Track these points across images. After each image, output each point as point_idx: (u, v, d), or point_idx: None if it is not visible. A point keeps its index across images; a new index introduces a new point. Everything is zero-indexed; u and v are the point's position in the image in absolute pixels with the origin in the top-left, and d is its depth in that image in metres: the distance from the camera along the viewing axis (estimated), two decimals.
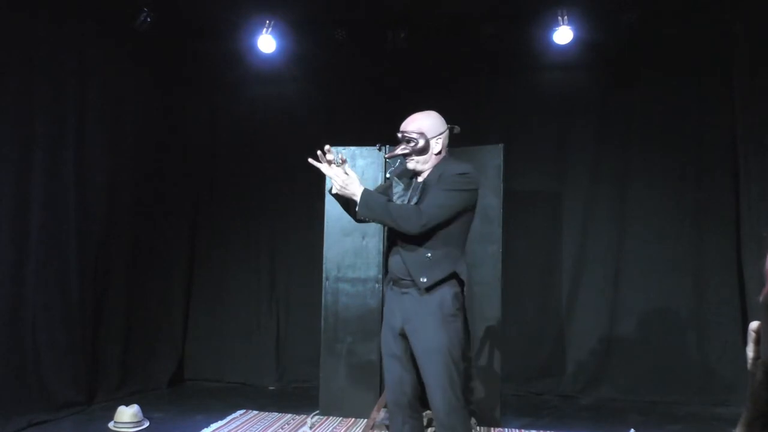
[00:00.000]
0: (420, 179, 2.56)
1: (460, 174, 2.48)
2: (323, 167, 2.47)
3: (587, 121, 5.20)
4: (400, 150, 2.53)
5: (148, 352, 5.20)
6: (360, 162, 4.49)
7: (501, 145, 4.25)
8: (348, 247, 4.43)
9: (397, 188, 2.63)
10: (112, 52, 4.70)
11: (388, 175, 4.24)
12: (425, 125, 2.55)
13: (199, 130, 5.59)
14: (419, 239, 2.42)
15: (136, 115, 5.04)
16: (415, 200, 2.50)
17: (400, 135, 2.55)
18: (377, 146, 4.46)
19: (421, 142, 2.51)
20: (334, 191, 2.48)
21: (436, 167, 2.55)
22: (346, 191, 2.43)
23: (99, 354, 4.70)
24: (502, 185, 4.22)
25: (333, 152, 2.43)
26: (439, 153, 2.57)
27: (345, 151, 4.44)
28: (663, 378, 4.87)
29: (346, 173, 2.44)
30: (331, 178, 2.46)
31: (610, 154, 5.16)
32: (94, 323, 4.65)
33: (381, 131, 4.45)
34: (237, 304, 5.58)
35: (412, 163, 2.55)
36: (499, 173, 4.22)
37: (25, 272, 4.05)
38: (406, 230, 2.40)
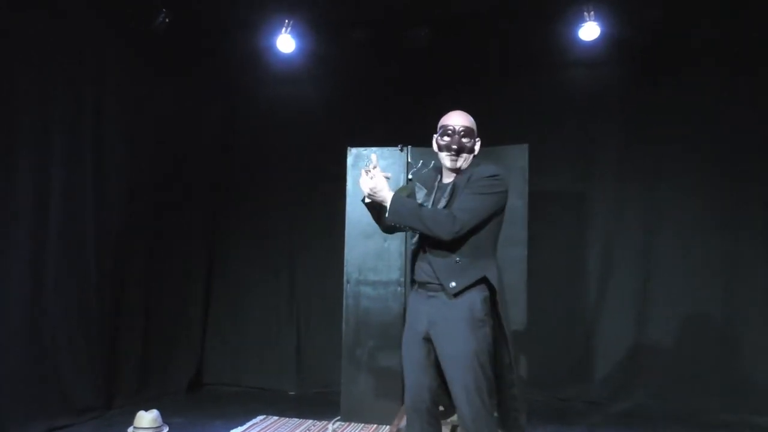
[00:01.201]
0: (446, 181, 2.53)
1: (490, 176, 2.43)
2: (362, 176, 2.47)
3: (614, 120, 5.10)
4: (454, 144, 2.46)
5: (167, 357, 5.18)
6: (381, 163, 4.31)
7: (526, 145, 4.18)
8: (369, 250, 4.36)
9: (420, 193, 2.59)
10: (129, 53, 4.70)
11: (410, 176, 4.20)
12: (472, 122, 2.53)
13: (217, 132, 5.57)
14: (449, 244, 2.38)
15: (154, 117, 5.01)
16: (443, 204, 2.47)
17: (454, 128, 2.48)
18: (399, 147, 4.37)
19: (474, 140, 2.51)
20: (366, 199, 2.46)
21: (465, 169, 2.53)
22: (376, 197, 2.40)
23: (118, 358, 4.70)
24: (527, 186, 4.14)
25: (368, 157, 2.49)
26: (475, 154, 2.57)
27: (366, 152, 4.38)
28: (696, 385, 4.76)
29: (374, 177, 2.41)
30: (360, 184, 2.43)
31: (638, 154, 5.06)
32: (112, 328, 4.65)
33: (402, 132, 4.45)
34: (256, 308, 5.54)
35: (460, 161, 2.51)
36: (524, 174, 4.15)
37: (43, 276, 4.03)
38: (438, 236, 2.36)
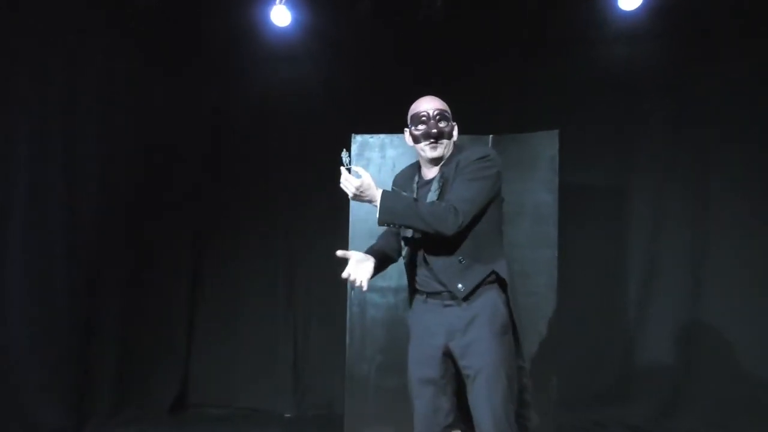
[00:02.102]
0: (429, 176, 2.53)
1: (480, 159, 2.44)
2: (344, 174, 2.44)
3: (659, 103, 4.94)
4: (432, 128, 2.47)
5: (148, 373, 5.05)
6: (390, 152, 4.28)
7: (555, 131, 4.05)
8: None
9: (414, 188, 2.58)
10: (109, 32, 4.63)
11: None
12: (446, 105, 2.55)
13: (204, 120, 5.40)
14: (445, 244, 2.38)
15: (134, 104, 4.91)
16: (436, 195, 2.45)
17: (428, 113, 2.49)
18: None
19: (451, 123, 2.52)
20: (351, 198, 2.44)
21: (450, 157, 2.53)
22: (363, 198, 2.38)
23: (90, 374, 4.62)
24: (557, 179, 4.02)
25: (344, 152, 2.39)
26: (453, 139, 2.57)
27: (373, 140, 4.29)
28: (755, 409, 4.56)
29: (357, 175, 2.38)
30: (343, 184, 2.39)
31: (686, 143, 4.89)
32: (84, 339, 4.57)
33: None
34: (249, 318, 5.38)
35: (440, 148, 2.52)
36: (554, 164, 4.03)
37: (2, 280, 4.07)
38: (440, 232, 2.34)
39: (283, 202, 5.42)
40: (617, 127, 5.02)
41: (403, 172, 2.73)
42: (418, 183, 2.57)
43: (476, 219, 2.40)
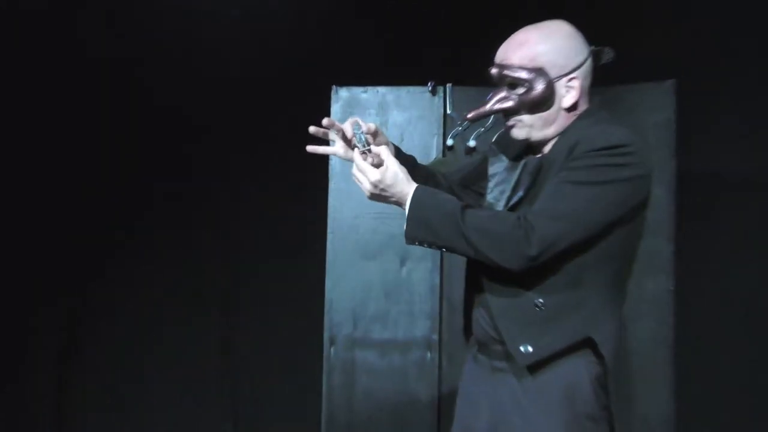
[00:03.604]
0: (532, 157, 2.31)
1: (606, 148, 2.10)
2: (332, 150, 2.40)
3: None
4: (493, 104, 2.28)
5: None
6: (397, 117, 3.85)
7: (670, 82, 3.59)
8: (372, 281, 3.91)
9: (497, 170, 2.38)
10: None
11: (450, 143, 3.87)
12: (543, 51, 2.21)
13: (123, 96, 4.87)
14: (521, 274, 2.14)
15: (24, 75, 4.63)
16: (517, 198, 2.23)
17: (493, 72, 2.26)
18: (429, 86, 3.86)
19: (538, 87, 2.20)
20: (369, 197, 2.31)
21: (564, 135, 2.22)
22: (385, 194, 2.19)
23: None
24: (673, 161, 3.56)
25: (354, 124, 2.28)
26: (573, 107, 2.21)
27: (367, 96, 3.88)
28: None
29: (377, 162, 2.20)
30: (354, 175, 2.23)
31: None
32: None
33: (433, 61, 4.21)
34: (160, 389, 4.80)
35: (521, 129, 2.26)
36: (668, 137, 3.58)
37: None
38: (499, 265, 2.12)
39: (223, 200, 4.88)
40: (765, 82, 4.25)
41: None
42: (527, 158, 2.30)
43: (581, 248, 2.13)
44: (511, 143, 2.38)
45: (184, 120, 4.89)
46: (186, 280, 4.87)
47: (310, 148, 2.35)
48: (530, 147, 2.33)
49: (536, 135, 2.25)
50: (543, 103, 2.21)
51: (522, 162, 2.31)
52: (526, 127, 2.25)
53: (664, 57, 4.11)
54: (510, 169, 2.36)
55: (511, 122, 2.26)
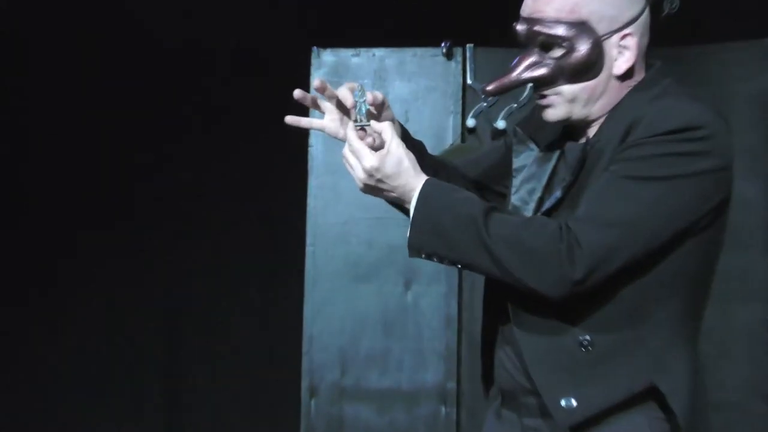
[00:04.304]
0: (581, 139, 2.07)
1: (675, 131, 1.83)
2: (320, 124, 2.13)
3: None
4: (521, 71, 2.01)
5: None
6: (399, 89, 3.67)
7: (765, 41, 3.48)
8: (367, 310, 3.77)
9: (524, 162, 2.16)
10: None
11: (471, 124, 3.74)
12: (586, 1, 1.95)
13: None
14: (562, 303, 1.88)
15: None
16: (553, 200, 1.94)
17: (520, 29, 2.00)
18: (442, 47, 3.72)
19: (582, 47, 1.93)
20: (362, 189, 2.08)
21: (616, 113, 1.96)
22: (383, 187, 1.93)
23: None
24: None
25: (357, 90, 1.98)
26: (628, 74, 1.93)
27: (359, 60, 3.76)
28: None
29: (378, 144, 1.94)
30: (345, 157, 1.97)
31: None
32: None
33: (446, 15, 4.13)
34: None
35: (558, 106, 1.98)
36: (764, 114, 3.47)
37: None
38: (535, 290, 1.85)
39: (168, 212, 4.59)
40: None
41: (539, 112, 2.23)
42: (566, 145, 2.09)
43: (637, 268, 1.85)
44: (543, 126, 2.13)
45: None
46: (123, 304, 4.69)
47: (290, 119, 2.09)
48: (569, 130, 2.09)
49: (578, 113, 2.00)
50: (588, 68, 1.98)
51: (557, 151, 2.06)
52: (565, 103, 1.99)
53: (760, 6, 3.82)
54: (542, 161, 2.12)
55: (544, 97, 2.00)
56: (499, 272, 1.88)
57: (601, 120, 1.98)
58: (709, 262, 1.96)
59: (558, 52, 1.92)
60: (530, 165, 2.12)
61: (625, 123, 1.90)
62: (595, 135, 1.97)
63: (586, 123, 1.99)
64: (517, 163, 2.12)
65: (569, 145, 2.01)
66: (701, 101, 1.93)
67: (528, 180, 2.08)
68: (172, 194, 4.62)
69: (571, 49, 1.93)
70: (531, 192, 2.05)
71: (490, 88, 2.01)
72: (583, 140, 2.00)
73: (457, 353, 3.62)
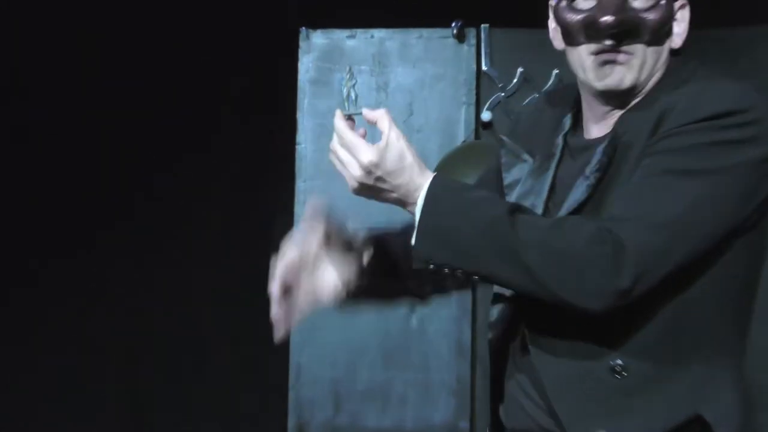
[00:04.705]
0: (595, 134, 2.04)
1: (716, 116, 1.83)
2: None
3: None
4: (608, 15, 2.04)
5: None
6: (403, 77, 3.62)
7: None
8: (364, 336, 3.75)
9: (517, 176, 2.14)
10: None
11: (486, 117, 3.75)
12: None
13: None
14: (582, 322, 1.86)
15: None
16: (576, 202, 1.90)
17: None
18: (453, 27, 3.69)
19: (663, 2, 1.96)
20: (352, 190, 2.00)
21: (656, 91, 1.94)
22: (382, 187, 1.89)
23: None
24: None
25: (347, 75, 2.86)
26: (676, 51, 1.96)
27: (355, 44, 3.71)
28: None
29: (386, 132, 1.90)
30: (333, 153, 1.88)
31: None
32: None
33: None
34: None
35: (632, 69, 1.98)
36: None
37: None
38: (573, 304, 1.79)
39: (140, 214, 4.63)
40: None
41: (540, 105, 2.22)
42: (572, 143, 2.02)
43: (678, 278, 1.81)
44: (535, 130, 2.15)
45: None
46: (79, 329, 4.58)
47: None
48: (589, 108, 2.05)
49: (643, 80, 1.97)
50: (665, 31, 1.97)
51: (555, 157, 2.09)
52: (638, 67, 1.95)
53: None
54: (538, 173, 2.10)
55: (619, 53, 1.94)
56: (530, 283, 1.80)
57: (638, 99, 1.96)
58: (756, 268, 1.91)
59: (643, 2, 1.88)
60: (525, 179, 2.07)
61: (654, 112, 1.87)
62: (619, 127, 1.91)
63: (629, 97, 1.93)
64: (508, 178, 2.08)
65: (597, 140, 1.95)
66: (740, 81, 1.89)
67: (524, 196, 2.01)
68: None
69: (656, 3, 1.90)
70: (537, 199, 2.00)
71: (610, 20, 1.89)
72: (605, 133, 1.94)
73: (471, 386, 3.53)
